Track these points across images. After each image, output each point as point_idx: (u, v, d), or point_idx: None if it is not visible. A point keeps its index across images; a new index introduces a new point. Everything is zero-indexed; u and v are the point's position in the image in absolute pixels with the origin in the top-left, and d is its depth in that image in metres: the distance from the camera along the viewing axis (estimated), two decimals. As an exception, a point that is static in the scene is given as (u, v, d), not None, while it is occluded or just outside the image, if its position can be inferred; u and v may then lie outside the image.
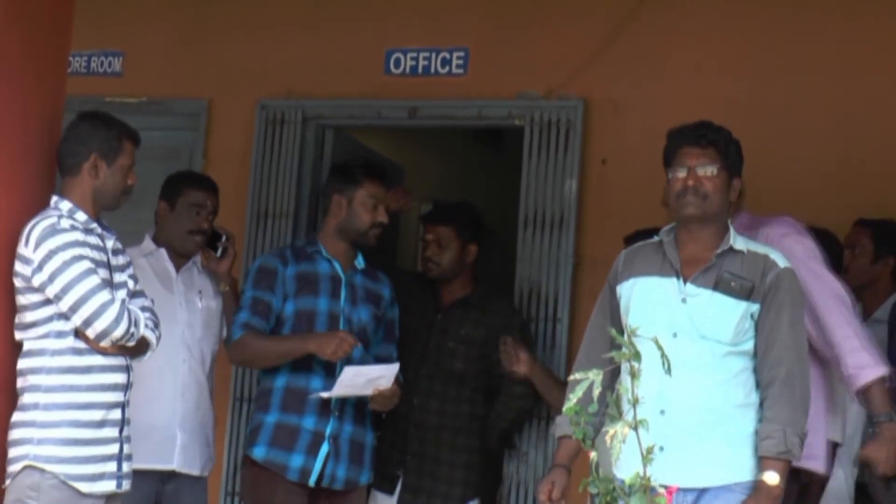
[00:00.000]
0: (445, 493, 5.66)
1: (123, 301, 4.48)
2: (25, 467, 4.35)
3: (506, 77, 6.61)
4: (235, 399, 6.80)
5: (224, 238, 5.42)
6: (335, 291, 5.34)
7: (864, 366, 4.48)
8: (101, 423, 4.45)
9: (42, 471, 4.35)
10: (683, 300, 4.36)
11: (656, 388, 4.07)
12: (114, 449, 4.48)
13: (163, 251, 5.38)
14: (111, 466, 4.47)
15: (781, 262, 4.38)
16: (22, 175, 4.60)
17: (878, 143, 6.06)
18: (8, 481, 4.37)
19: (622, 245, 5.65)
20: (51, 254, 4.36)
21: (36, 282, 4.38)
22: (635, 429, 2.89)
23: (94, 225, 4.53)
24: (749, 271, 4.35)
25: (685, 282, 4.37)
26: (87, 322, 4.37)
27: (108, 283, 4.46)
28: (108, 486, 4.46)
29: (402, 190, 6.12)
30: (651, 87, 6.39)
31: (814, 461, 4.63)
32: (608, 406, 3.00)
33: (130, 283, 4.60)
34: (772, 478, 4.21)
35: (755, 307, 4.33)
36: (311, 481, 5.22)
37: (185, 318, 5.31)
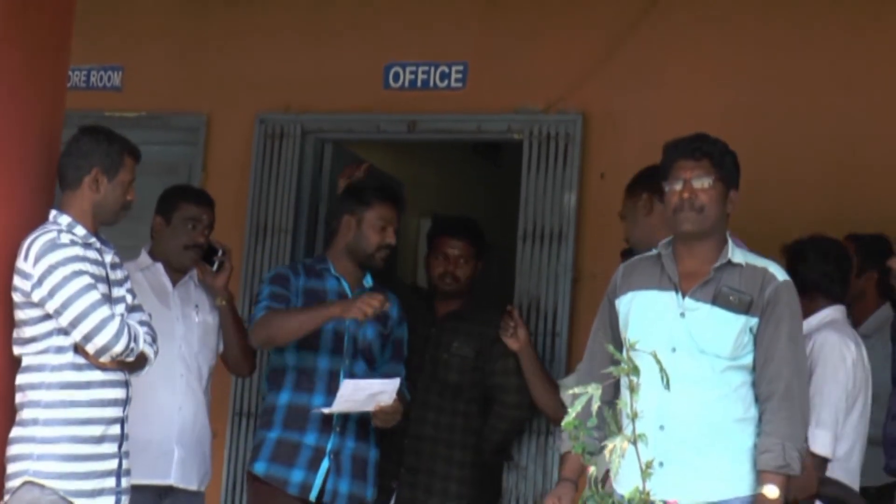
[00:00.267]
0: None
1: (123, 316, 4.48)
2: (25, 483, 4.35)
3: (505, 91, 6.61)
4: (235, 414, 6.79)
5: (220, 252, 5.41)
6: None
7: None
8: (101, 439, 4.45)
9: (42, 486, 4.35)
10: (682, 314, 4.35)
11: (655, 402, 4.06)
12: (113, 464, 4.48)
13: (159, 266, 5.37)
14: (110, 482, 4.46)
15: (780, 276, 4.38)
16: (21, 189, 4.60)
17: (874, 153, 6.06)
18: (7, 497, 4.37)
19: (620, 259, 5.67)
20: (51, 269, 4.36)
21: (35, 297, 4.38)
22: (634, 443, 2.89)
23: (93, 239, 4.53)
24: (747, 285, 4.35)
25: (684, 296, 4.37)
26: (88, 338, 4.37)
27: (108, 298, 4.46)
28: (108, 501, 4.45)
29: (352, 166, 6.14)
30: (649, 101, 6.39)
31: None
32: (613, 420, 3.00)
33: (129, 298, 4.60)
34: (771, 491, 4.21)
35: (754, 321, 4.33)
36: (312, 496, 5.23)
37: (181, 333, 5.31)
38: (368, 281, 5.45)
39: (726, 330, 4.31)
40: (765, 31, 6.29)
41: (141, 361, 4.52)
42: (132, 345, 4.42)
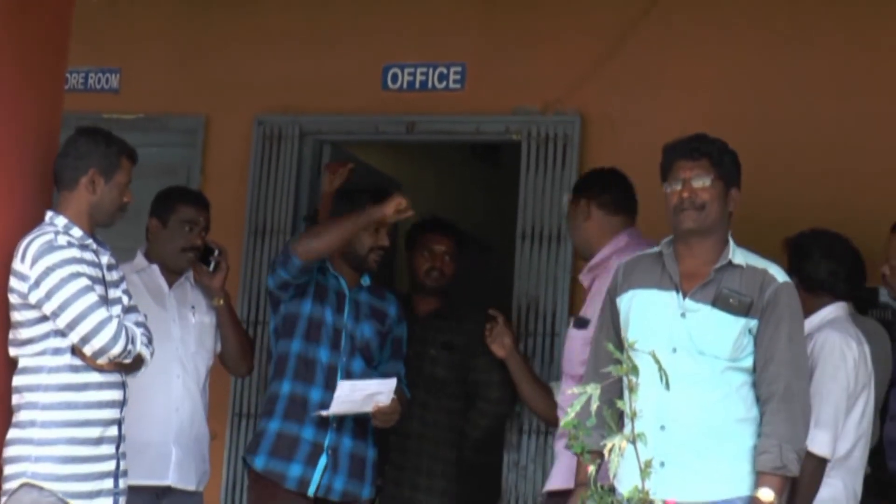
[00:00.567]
0: (425, 502, 5.70)
1: (120, 318, 4.48)
2: (23, 485, 4.35)
3: (503, 92, 6.61)
4: (234, 414, 6.79)
5: (217, 252, 5.41)
6: (339, 306, 5.40)
7: None
8: (99, 441, 4.45)
9: (40, 488, 4.35)
10: (682, 315, 4.35)
11: (655, 402, 4.06)
12: (111, 466, 4.48)
13: (155, 267, 5.37)
14: (108, 483, 4.46)
15: (780, 277, 4.38)
16: (18, 191, 4.60)
17: (874, 158, 6.06)
18: (5, 499, 4.36)
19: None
20: (48, 271, 4.36)
21: (32, 298, 4.38)
22: (633, 443, 2.89)
23: (90, 241, 4.53)
24: (748, 286, 4.34)
25: (684, 296, 4.37)
26: (85, 339, 4.36)
27: (105, 300, 4.46)
28: (106, 502, 4.45)
29: (339, 162, 6.15)
30: (648, 103, 6.39)
31: None
32: (623, 420, 3.00)
33: (125, 299, 4.60)
34: (766, 494, 4.21)
35: (754, 323, 4.32)
36: (311, 491, 5.27)
37: (178, 334, 5.31)
38: (366, 280, 5.49)
39: (726, 332, 4.31)
40: (764, 33, 6.29)
41: (137, 363, 4.52)
42: (129, 346, 4.43)
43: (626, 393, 3.04)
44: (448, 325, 5.83)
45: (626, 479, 3.25)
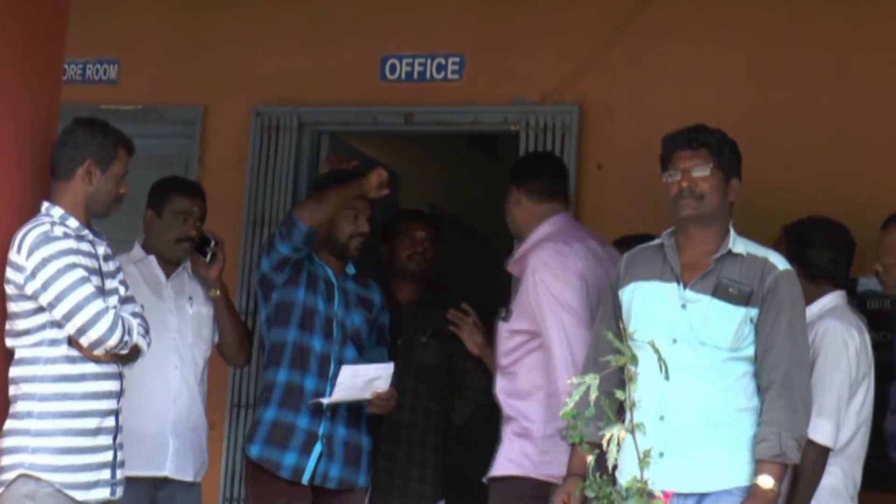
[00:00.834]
0: (417, 492, 5.71)
1: (116, 308, 4.48)
2: (20, 476, 4.35)
3: (501, 82, 6.61)
4: (233, 405, 6.79)
5: (213, 243, 5.41)
6: (329, 295, 5.43)
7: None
8: (96, 432, 4.45)
9: (38, 479, 4.35)
10: (683, 306, 4.35)
11: (655, 393, 4.06)
12: (108, 457, 4.48)
13: (152, 258, 5.36)
14: (105, 474, 4.47)
15: (781, 265, 4.37)
16: (16, 183, 4.59)
17: (875, 146, 6.05)
18: (2, 489, 4.36)
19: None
20: (44, 262, 4.35)
21: (29, 290, 4.38)
22: (632, 433, 2.89)
23: (86, 231, 4.53)
24: (748, 275, 4.34)
25: (685, 287, 4.37)
26: (81, 331, 4.36)
27: (101, 290, 4.45)
28: (103, 493, 4.46)
29: (341, 157, 6.17)
30: (646, 93, 6.38)
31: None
32: (623, 411, 3.00)
33: (121, 290, 4.60)
34: (766, 481, 4.20)
35: (754, 312, 4.32)
36: (304, 479, 5.29)
37: (175, 325, 5.30)
38: (351, 268, 5.54)
39: (726, 322, 4.31)
40: (762, 23, 6.28)
41: (134, 353, 4.52)
42: (126, 337, 4.42)
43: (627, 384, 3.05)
44: (434, 313, 5.84)
45: (625, 470, 3.25)
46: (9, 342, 4.45)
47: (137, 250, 5.39)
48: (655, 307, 4.36)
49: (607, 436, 2.88)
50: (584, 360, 4.56)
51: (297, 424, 5.31)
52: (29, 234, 4.40)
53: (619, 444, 2.89)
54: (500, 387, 5.04)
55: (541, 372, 4.91)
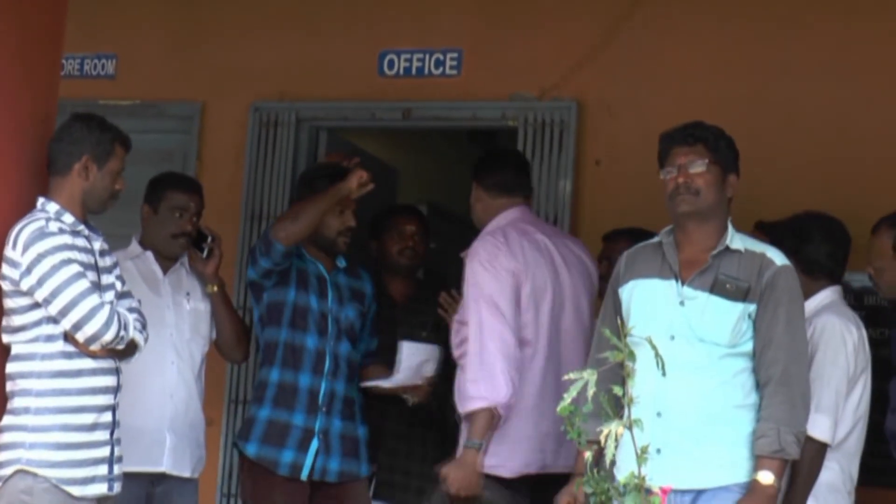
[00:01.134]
0: (418, 488, 5.72)
1: (112, 304, 4.48)
2: (18, 471, 4.35)
3: (499, 78, 6.61)
4: (231, 401, 6.80)
5: (210, 239, 5.40)
6: (322, 291, 5.44)
7: (472, 396, 4.77)
8: (93, 427, 4.45)
9: (35, 475, 4.35)
10: (681, 303, 4.34)
11: (652, 389, 4.06)
12: (105, 452, 4.48)
13: (149, 254, 5.36)
14: (102, 469, 4.47)
15: (779, 260, 4.37)
16: (14, 178, 4.59)
17: (873, 143, 6.05)
18: (-1, 485, 4.38)
19: (602, 244, 5.67)
20: (39, 257, 4.35)
21: (24, 285, 4.37)
22: (630, 429, 2.89)
23: (82, 227, 4.52)
24: (745, 271, 4.33)
25: (683, 284, 4.36)
26: (77, 326, 4.36)
27: (97, 286, 4.45)
28: (100, 489, 4.46)
29: (343, 155, 6.17)
30: (645, 88, 6.38)
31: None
32: (622, 407, 3.00)
33: (118, 285, 4.60)
34: (765, 477, 4.20)
35: (752, 307, 4.31)
36: (303, 475, 5.30)
37: (172, 321, 5.29)
38: (342, 262, 5.53)
39: (724, 318, 4.30)
40: (760, 19, 6.28)
41: (131, 349, 4.52)
42: (122, 333, 4.42)
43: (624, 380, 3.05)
44: (432, 308, 5.83)
45: (623, 466, 3.25)
46: (5, 338, 4.45)
47: (134, 246, 5.38)
48: (654, 304, 4.36)
49: (605, 432, 2.87)
50: (589, 359, 4.57)
51: (292, 422, 5.32)
52: (24, 229, 4.39)
53: (616, 441, 2.89)
54: (456, 382, 5.03)
55: None
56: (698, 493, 4.27)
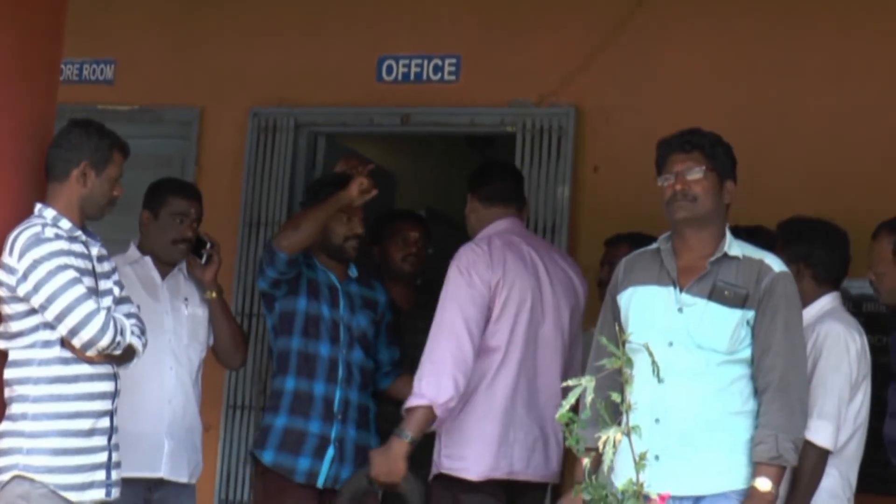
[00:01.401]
0: (422, 491, 5.70)
1: (109, 309, 4.47)
2: (15, 477, 4.35)
3: (498, 84, 6.61)
4: (229, 406, 6.79)
5: (209, 245, 5.40)
6: (334, 300, 5.44)
7: (415, 392, 4.84)
8: (90, 432, 4.44)
9: (32, 481, 4.35)
10: (680, 310, 4.34)
11: (650, 396, 4.06)
12: (102, 457, 4.48)
13: (148, 259, 5.35)
14: (100, 475, 4.46)
15: (777, 267, 4.37)
16: (12, 184, 4.59)
17: (869, 148, 6.06)
18: (-3, 491, 4.37)
19: (604, 249, 5.68)
20: (35, 263, 4.34)
21: (21, 291, 4.37)
22: (628, 435, 2.88)
23: (79, 232, 4.52)
24: (744, 278, 4.33)
25: (681, 291, 4.36)
26: (73, 332, 4.36)
27: (94, 291, 4.45)
28: (98, 494, 4.46)
29: (357, 161, 6.17)
30: (643, 95, 6.39)
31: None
32: (620, 414, 3.00)
33: (116, 290, 4.59)
34: (763, 484, 4.20)
35: (750, 314, 4.31)
36: (320, 483, 5.32)
37: (171, 326, 5.29)
38: (353, 271, 5.54)
39: (723, 325, 4.30)
40: (758, 24, 6.29)
41: (129, 354, 4.52)
42: (118, 338, 4.42)
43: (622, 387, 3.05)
44: (431, 314, 5.84)
45: (621, 473, 3.24)
46: (2, 344, 4.45)
47: (133, 251, 5.38)
48: (652, 311, 4.36)
49: (603, 438, 2.87)
50: (587, 366, 4.57)
51: (308, 430, 5.33)
52: (20, 235, 4.39)
53: (615, 447, 2.89)
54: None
55: None
56: (696, 499, 4.27)
